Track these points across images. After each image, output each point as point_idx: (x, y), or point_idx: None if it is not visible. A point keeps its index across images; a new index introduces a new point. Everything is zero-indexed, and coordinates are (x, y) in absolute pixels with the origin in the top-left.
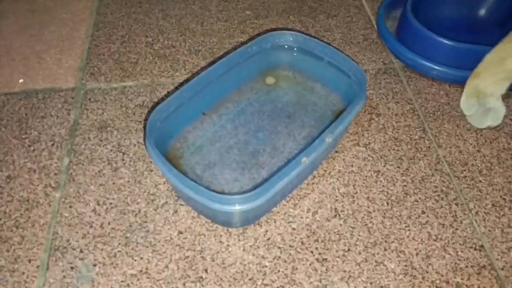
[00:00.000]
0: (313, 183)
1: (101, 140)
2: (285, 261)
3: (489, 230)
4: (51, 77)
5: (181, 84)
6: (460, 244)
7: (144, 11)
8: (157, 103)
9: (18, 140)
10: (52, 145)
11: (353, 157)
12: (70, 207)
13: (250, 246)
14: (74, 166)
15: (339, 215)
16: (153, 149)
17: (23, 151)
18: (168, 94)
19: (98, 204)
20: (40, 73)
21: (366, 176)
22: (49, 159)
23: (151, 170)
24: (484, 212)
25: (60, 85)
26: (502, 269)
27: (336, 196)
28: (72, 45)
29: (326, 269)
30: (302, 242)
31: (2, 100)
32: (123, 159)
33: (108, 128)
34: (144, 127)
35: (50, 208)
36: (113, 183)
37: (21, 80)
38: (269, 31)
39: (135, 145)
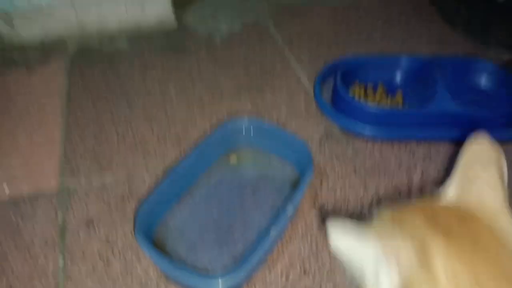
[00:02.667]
0: (282, 247)
1: (90, 236)
2: None
3: None
4: (35, 182)
5: (154, 171)
6: None
7: (111, 107)
8: (136, 194)
9: (13, 247)
10: (46, 247)
11: (313, 218)
12: None
13: None
14: (69, 265)
15: (307, 273)
16: (142, 240)
17: (19, 257)
18: (144, 183)
19: None
20: (24, 180)
21: (325, 235)
22: (45, 262)
23: (140, 258)
24: None
25: (44, 188)
26: None
27: (303, 257)
28: (50, 148)
29: None
30: None
31: None
32: (112, 252)
33: (95, 223)
34: (133, 219)
35: None
36: (107, 276)
37: (5, 186)
38: (226, 113)
39: (121, 236)
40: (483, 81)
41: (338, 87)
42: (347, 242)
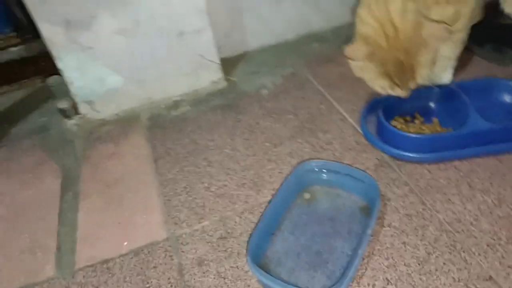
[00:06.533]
0: (364, 264)
1: (204, 273)
2: None
3: (492, 265)
4: (148, 234)
5: (241, 213)
6: (475, 279)
7: (192, 163)
8: (231, 233)
9: None
10: (171, 287)
11: (384, 236)
12: None
13: None
14: None
15: (390, 282)
16: (257, 269)
17: None
18: (236, 223)
19: None
20: (137, 234)
21: (398, 248)
22: None
23: (248, 286)
24: (484, 252)
25: (157, 238)
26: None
27: (383, 269)
28: (151, 205)
29: None
30: None
31: (119, 262)
32: (225, 283)
33: (205, 262)
34: (234, 255)
35: None
36: None
37: (125, 243)
38: (288, 155)
39: (229, 269)
40: (505, 97)
41: (383, 122)
42: None
